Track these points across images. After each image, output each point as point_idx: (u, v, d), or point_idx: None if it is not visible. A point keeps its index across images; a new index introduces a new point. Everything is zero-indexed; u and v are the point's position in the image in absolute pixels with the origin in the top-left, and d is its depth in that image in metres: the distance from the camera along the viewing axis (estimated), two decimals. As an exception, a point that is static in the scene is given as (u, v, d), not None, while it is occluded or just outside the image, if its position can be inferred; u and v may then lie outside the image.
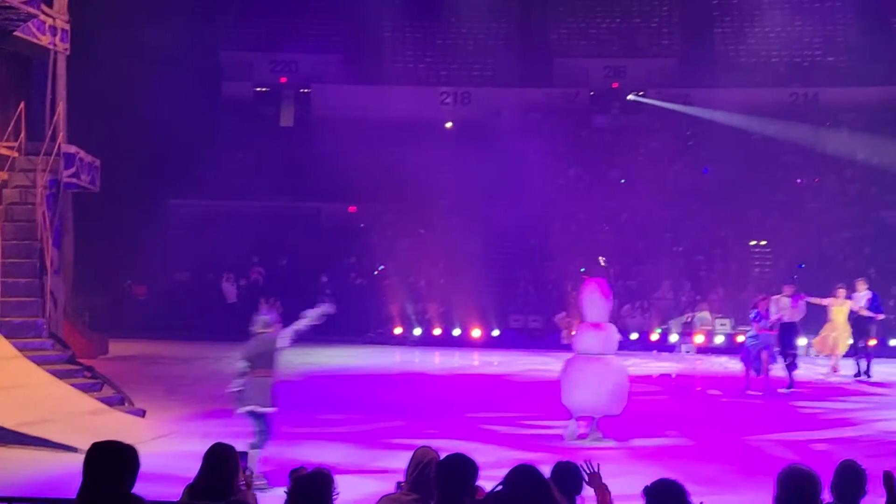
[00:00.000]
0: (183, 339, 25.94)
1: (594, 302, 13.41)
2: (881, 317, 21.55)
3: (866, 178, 31.51)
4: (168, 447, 12.08)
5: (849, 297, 20.95)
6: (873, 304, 20.81)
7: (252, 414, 10.89)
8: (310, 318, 11.12)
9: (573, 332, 14.74)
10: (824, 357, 22.05)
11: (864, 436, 14.03)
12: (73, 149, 18.40)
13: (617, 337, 13.99)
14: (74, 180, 18.48)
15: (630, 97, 35.27)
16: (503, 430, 14.04)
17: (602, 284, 13.80)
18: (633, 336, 26.76)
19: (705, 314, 26.93)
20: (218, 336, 26.04)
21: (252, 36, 37.34)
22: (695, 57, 36.30)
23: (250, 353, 10.99)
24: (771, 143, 33.12)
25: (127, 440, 4.68)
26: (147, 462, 4.74)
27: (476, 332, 26.97)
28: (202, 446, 5.81)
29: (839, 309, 20.99)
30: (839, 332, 20.93)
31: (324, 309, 11.35)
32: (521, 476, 4.95)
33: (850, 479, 5.31)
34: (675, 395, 18.27)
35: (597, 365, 13.39)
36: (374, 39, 36.07)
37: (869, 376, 20.35)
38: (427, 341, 26.88)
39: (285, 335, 11.15)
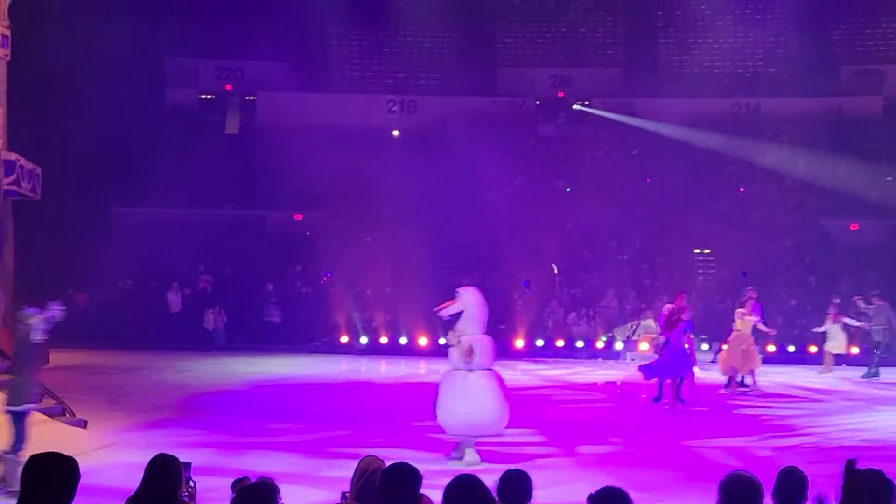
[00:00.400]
0: (125, 348, 25.59)
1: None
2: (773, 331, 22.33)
3: (806, 187, 32.01)
4: (109, 458, 11.91)
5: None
6: (762, 317, 21.08)
7: (11, 414, 10.48)
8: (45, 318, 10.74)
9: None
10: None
11: (806, 443, 14.22)
12: (13, 156, 18.11)
13: (486, 350, 12.66)
14: (14, 188, 18.19)
15: (575, 106, 35.52)
16: (449, 438, 14.02)
17: (477, 294, 12.90)
18: (579, 344, 26.95)
19: (650, 322, 27.17)
20: (161, 346, 25.83)
21: (197, 42, 37.01)
22: (639, 67, 36.66)
23: (13, 351, 10.57)
24: (713, 153, 33.53)
25: (67, 451, 4.60)
26: (88, 474, 4.67)
27: (423, 341, 26.96)
28: (144, 457, 5.73)
29: (745, 322, 20.68)
30: (748, 344, 20.51)
31: (57, 311, 11.03)
32: (461, 488, 4.94)
33: (792, 486, 5.37)
34: (620, 403, 18.41)
35: (463, 381, 12.48)
36: (321, 47, 35.99)
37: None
38: (373, 350, 26.81)
39: (37, 328, 10.76)
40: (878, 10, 36.43)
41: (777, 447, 13.69)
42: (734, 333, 20.59)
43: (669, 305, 18.09)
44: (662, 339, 18.03)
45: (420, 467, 5.27)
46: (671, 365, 17.27)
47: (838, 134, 33.62)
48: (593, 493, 4.86)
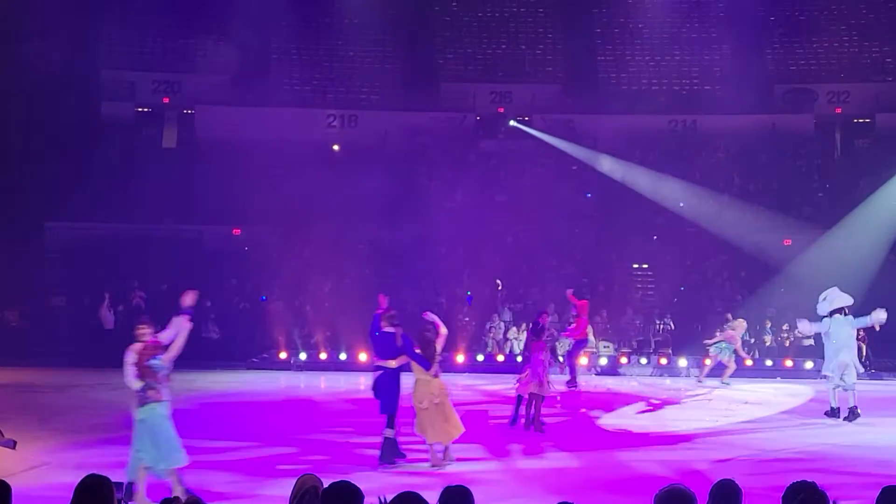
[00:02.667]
0: (57, 366, 25.08)
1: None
2: None
3: (741, 202, 32.46)
4: (40, 479, 11.67)
5: None
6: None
7: None
8: None
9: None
10: None
11: (743, 455, 14.35)
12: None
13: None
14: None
15: (511, 123, 35.68)
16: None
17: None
18: (519, 359, 26.93)
19: (588, 336, 27.34)
20: (94, 363, 25.34)
21: (134, 55, 36.60)
22: (578, 84, 37.01)
23: None
24: (652, 169, 33.91)
25: (-6, 473, 4.47)
26: (18, 495, 4.53)
27: (363, 357, 26.78)
28: (75, 477, 5.59)
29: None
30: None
31: None
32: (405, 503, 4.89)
33: (726, 498, 5.40)
34: (560, 417, 18.44)
35: None
36: (260, 61, 35.76)
37: None
38: (313, 366, 26.60)
39: None
40: (809, 30, 37.25)
41: (714, 460, 13.80)
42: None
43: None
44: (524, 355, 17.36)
45: (361, 485, 5.20)
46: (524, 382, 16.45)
47: (772, 150, 34.25)
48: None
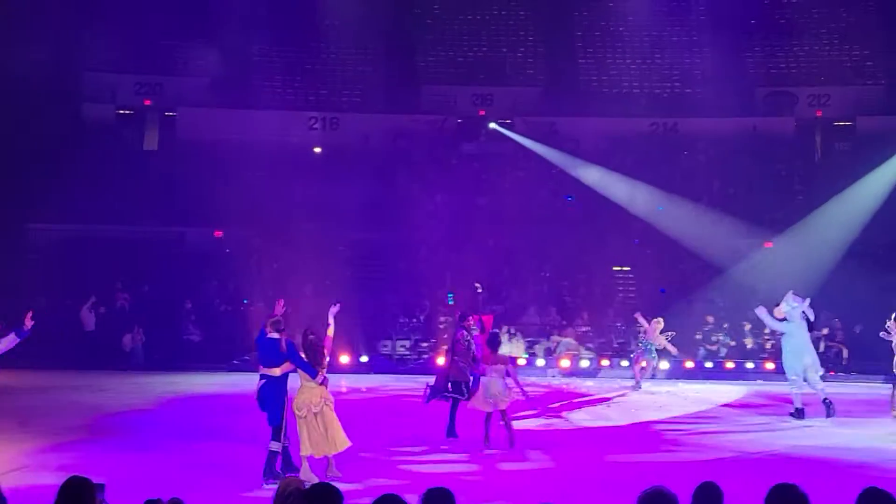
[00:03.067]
0: (38, 368, 24.95)
1: None
2: None
3: (721, 205, 32.61)
4: (21, 481, 11.61)
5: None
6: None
7: None
8: None
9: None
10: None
11: (725, 457, 14.43)
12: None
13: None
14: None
15: (491, 126, 35.68)
16: (370, 456, 13.96)
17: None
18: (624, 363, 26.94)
19: (570, 339, 27.45)
20: (75, 365, 25.25)
21: (115, 57, 36.46)
22: (559, 86, 37.10)
23: None
24: (633, 171, 34.04)
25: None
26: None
27: (344, 358, 26.80)
28: (57, 479, 5.59)
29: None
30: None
31: None
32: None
33: (709, 500, 5.45)
34: (541, 420, 18.48)
35: None
36: (242, 63, 35.68)
37: None
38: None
39: None
40: (790, 34, 37.47)
41: (697, 461, 13.87)
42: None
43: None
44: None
45: (341, 487, 5.22)
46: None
47: (752, 153, 34.42)
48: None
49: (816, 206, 31.12)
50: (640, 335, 23.93)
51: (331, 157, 34.27)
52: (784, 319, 18.41)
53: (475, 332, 16.62)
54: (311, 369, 12.44)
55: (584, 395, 22.19)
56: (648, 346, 23.39)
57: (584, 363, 26.51)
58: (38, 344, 26.86)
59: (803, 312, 18.20)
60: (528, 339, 27.96)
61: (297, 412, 12.36)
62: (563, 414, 19.17)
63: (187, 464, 13.11)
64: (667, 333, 23.64)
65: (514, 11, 39.41)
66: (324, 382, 12.53)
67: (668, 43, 37.94)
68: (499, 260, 31.43)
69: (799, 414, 18.00)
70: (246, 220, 30.66)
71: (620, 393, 22.54)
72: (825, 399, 17.90)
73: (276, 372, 12.57)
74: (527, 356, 27.14)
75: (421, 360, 26.94)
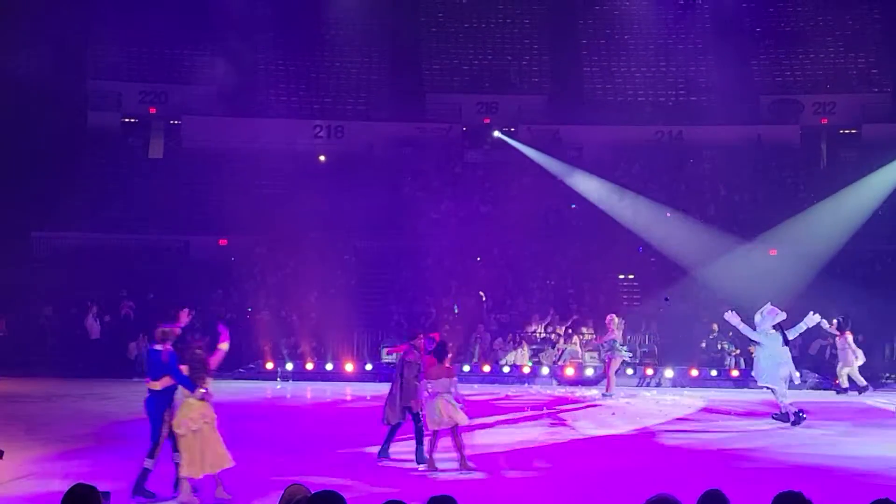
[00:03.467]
0: (44, 376, 25.04)
1: None
2: None
3: (726, 212, 32.58)
4: (27, 489, 11.62)
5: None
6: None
7: None
8: None
9: None
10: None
11: (736, 465, 14.39)
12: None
13: None
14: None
15: (495, 134, 35.67)
16: (371, 464, 13.95)
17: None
18: (506, 369, 27.01)
19: (575, 347, 27.42)
20: (81, 373, 25.30)
21: (121, 65, 36.59)
22: (564, 94, 37.15)
23: None
24: (637, 179, 34.06)
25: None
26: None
27: (349, 366, 26.82)
28: (63, 487, 5.60)
29: None
30: None
31: None
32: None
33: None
34: (547, 427, 18.47)
35: None
36: (247, 72, 35.79)
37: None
38: (299, 376, 26.58)
39: None
40: (795, 41, 37.49)
41: (702, 469, 13.84)
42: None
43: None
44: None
45: (346, 494, 5.22)
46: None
47: (757, 161, 34.41)
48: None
49: (821, 214, 31.10)
50: (609, 339, 23.47)
51: (336, 166, 34.32)
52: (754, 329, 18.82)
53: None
54: (190, 384, 11.60)
55: (588, 403, 22.16)
56: (615, 346, 23.19)
57: (589, 371, 26.49)
58: (44, 352, 27.12)
59: (780, 325, 18.52)
60: (533, 347, 27.95)
61: (176, 430, 11.59)
62: (568, 422, 19.14)
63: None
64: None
65: (519, 20, 39.47)
66: (205, 398, 11.69)
67: (674, 51, 38.00)
68: (504, 268, 31.43)
69: (784, 417, 18.28)
70: (251, 228, 30.72)
71: (624, 401, 22.52)
72: (789, 410, 18.30)
73: (156, 386, 11.84)
74: (531, 364, 27.12)
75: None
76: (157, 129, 36.83)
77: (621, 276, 31.59)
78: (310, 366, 27.08)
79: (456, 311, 29.19)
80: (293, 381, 26.20)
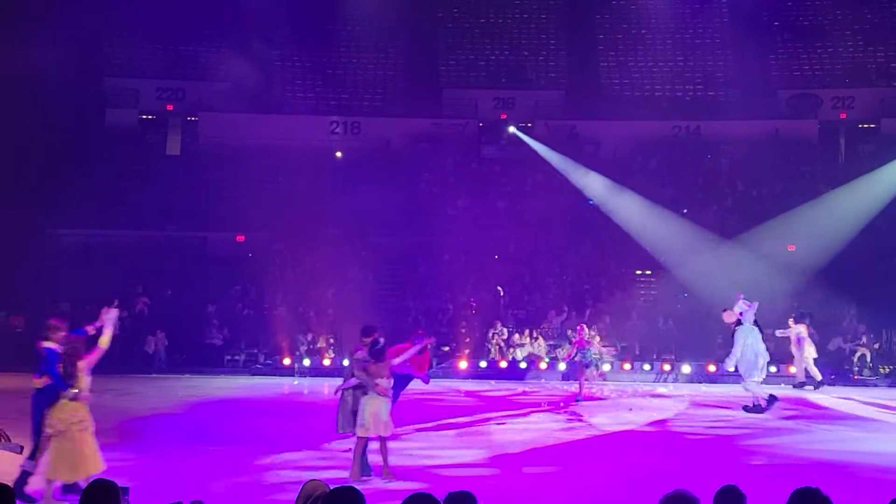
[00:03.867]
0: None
1: None
2: None
3: (744, 208, 32.46)
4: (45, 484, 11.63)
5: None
6: None
7: None
8: None
9: None
10: None
11: (754, 462, 14.34)
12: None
13: None
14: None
15: (511, 129, 35.56)
16: (391, 460, 13.94)
17: None
18: (523, 365, 26.99)
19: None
20: (99, 369, 25.40)
21: (138, 62, 36.72)
22: (581, 90, 37.06)
23: None
24: (654, 174, 33.97)
25: (2, 477, 4.49)
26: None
27: (366, 362, 26.81)
28: (82, 482, 5.62)
29: None
30: None
31: None
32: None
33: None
34: (563, 424, 18.46)
35: None
36: (264, 68, 35.86)
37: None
38: (316, 371, 26.64)
39: None
40: (813, 35, 37.28)
41: (719, 466, 13.79)
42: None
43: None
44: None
45: (364, 490, 5.22)
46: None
47: (775, 156, 34.24)
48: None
49: (840, 209, 30.93)
50: (584, 348, 22.03)
51: (352, 162, 34.34)
52: (739, 322, 19.35)
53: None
54: (62, 382, 11.09)
55: (605, 399, 22.13)
56: (588, 356, 22.03)
57: (606, 367, 26.42)
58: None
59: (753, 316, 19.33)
60: (550, 342, 27.92)
61: (48, 430, 11.07)
62: (585, 417, 19.11)
63: (210, 467, 13.14)
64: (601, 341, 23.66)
65: (535, 14, 39.41)
66: (77, 398, 11.18)
67: (691, 45, 37.85)
68: (520, 264, 31.40)
69: (772, 399, 19.03)
70: (268, 224, 30.79)
71: (641, 396, 22.48)
72: (757, 400, 19.18)
73: (38, 383, 11.39)
74: (548, 360, 27.09)
75: (443, 364, 26.91)
76: (174, 125, 36.94)
77: (638, 272, 31.50)
78: (327, 361, 27.13)
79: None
80: (310, 376, 26.26)
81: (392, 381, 12.71)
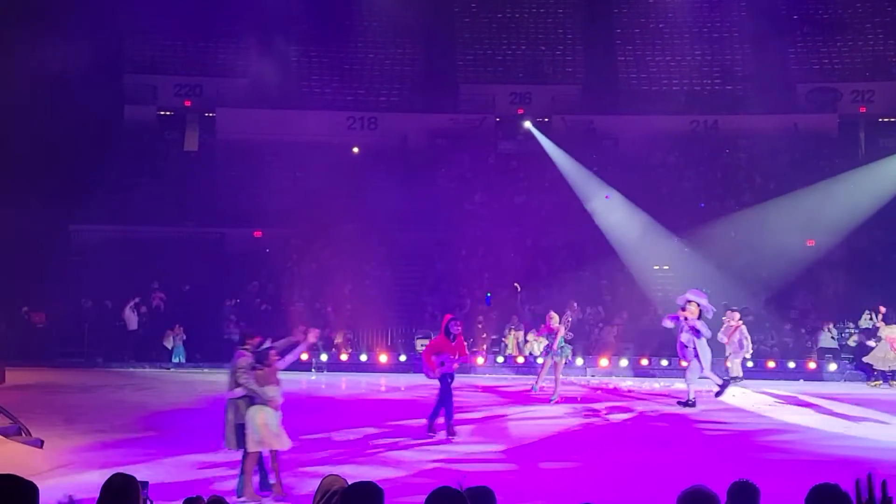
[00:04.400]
0: (83, 367, 25.32)
1: None
2: None
3: (763, 203, 32.31)
4: (66, 478, 11.75)
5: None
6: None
7: None
8: None
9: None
10: None
11: (771, 457, 14.31)
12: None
13: None
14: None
15: (526, 125, 35.39)
16: (409, 455, 13.99)
17: None
18: (540, 360, 26.93)
19: (609, 338, 27.32)
20: (119, 364, 25.60)
21: (156, 59, 36.87)
22: (598, 84, 36.96)
23: None
24: (672, 169, 33.86)
25: (23, 471, 4.53)
26: (44, 494, 4.59)
27: (383, 357, 26.90)
28: (101, 477, 5.65)
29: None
30: None
31: None
32: (443, 498, 4.89)
33: (744, 499, 5.40)
34: (581, 418, 18.44)
35: None
36: (281, 64, 35.91)
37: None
38: (333, 367, 26.70)
39: None
40: (833, 28, 37.05)
41: (738, 461, 13.76)
42: None
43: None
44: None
45: (382, 485, 5.23)
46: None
47: (794, 151, 34.07)
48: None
49: (860, 203, 30.78)
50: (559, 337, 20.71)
51: (369, 157, 34.36)
52: (700, 318, 19.38)
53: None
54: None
55: (623, 394, 22.10)
56: (562, 346, 20.90)
57: (623, 362, 26.39)
58: (83, 343, 27.42)
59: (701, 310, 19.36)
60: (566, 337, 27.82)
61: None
62: (602, 412, 19.10)
63: (228, 462, 13.19)
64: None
65: (552, 9, 39.30)
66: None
67: (709, 39, 37.68)
68: (538, 259, 31.35)
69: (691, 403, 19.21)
70: (285, 220, 30.86)
71: (659, 392, 22.43)
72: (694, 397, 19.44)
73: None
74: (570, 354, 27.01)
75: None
76: (192, 121, 37.04)
77: (656, 267, 31.41)
78: (344, 357, 27.19)
79: (489, 302, 29.21)
80: (327, 371, 26.32)
81: (280, 388, 11.87)
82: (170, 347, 27.71)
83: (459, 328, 15.84)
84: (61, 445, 14.28)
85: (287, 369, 25.80)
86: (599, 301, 29.65)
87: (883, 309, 24.10)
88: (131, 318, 28.23)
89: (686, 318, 19.31)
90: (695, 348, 19.31)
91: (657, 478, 12.57)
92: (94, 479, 6.18)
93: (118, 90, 35.74)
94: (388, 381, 24.43)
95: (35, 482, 4.50)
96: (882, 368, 23.86)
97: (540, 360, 22.01)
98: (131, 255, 30.02)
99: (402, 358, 27.09)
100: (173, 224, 32.03)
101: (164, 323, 28.09)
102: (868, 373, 24.23)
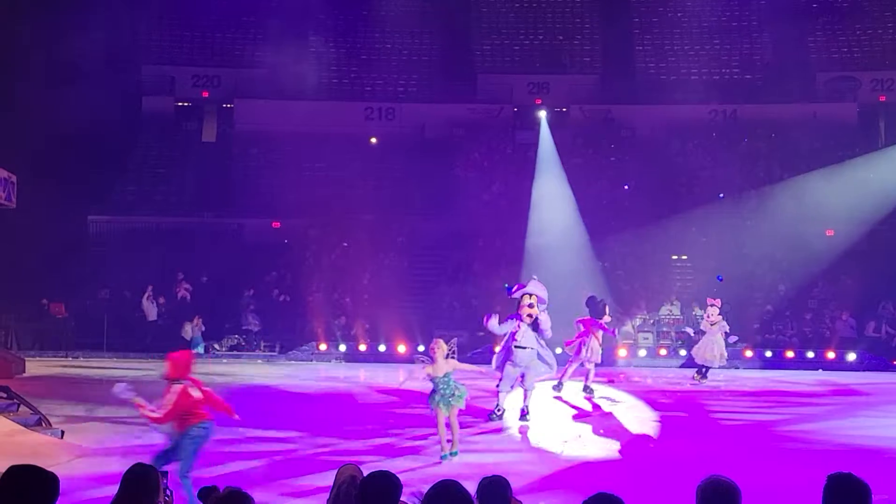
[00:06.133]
0: (103, 357, 25.46)
1: None
2: None
3: (782, 192, 32.17)
4: (86, 468, 11.83)
5: None
6: None
7: None
8: None
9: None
10: None
11: (787, 447, 14.27)
12: (-13, 164, 18.01)
13: None
14: (-11, 196, 18.09)
15: (541, 115, 35.22)
16: (427, 445, 14.01)
17: None
18: (557, 350, 26.90)
19: (627, 328, 27.29)
20: (139, 354, 25.72)
21: (174, 50, 36.97)
22: (616, 74, 36.85)
23: None
24: (691, 158, 33.73)
25: (44, 461, 4.56)
26: (65, 484, 4.63)
27: (401, 348, 26.94)
28: (121, 467, 5.69)
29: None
30: None
31: None
32: (444, 492, 4.92)
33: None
34: (599, 409, 18.43)
35: None
36: (298, 54, 35.95)
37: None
38: (352, 357, 26.77)
39: None
40: (852, 17, 36.81)
41: (756, 451, 13.72)
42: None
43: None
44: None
45: (399, 475, 5.25)
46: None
47: (814, 139, 33.88)
48: (587, 499, 4.85)
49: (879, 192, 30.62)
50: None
51: (387, 147, 34.39)
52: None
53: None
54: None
55: (641, 386, 22.07)
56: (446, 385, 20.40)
57: (642, 352, 26.35)
58: (102, 334, 27.57)
59: None
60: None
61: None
62: (621, 404, 19.07)
63: (244, 453, 13.26)
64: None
65: (570, -1, 39.20)
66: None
67: (727, 28, 37.50)
68: (554, 248, 31.24)
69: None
70: (303, 210, 30.93)
71: (679, 382, 22.40)
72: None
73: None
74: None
75: (479, 350, 26.94)
76: (209, 112, 37.17)
77: (674, 257, 31.33)
78: (363, 347, 27.26)
79: (510, 291, 29.10)
80: (346, 362, 26.38)
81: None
82: (188, 338, 27.82)
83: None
84: (81, 436, 14.37)
85: (306, 360, 25.87)
86: (618, 291, 29.56)
87: None
88: (150, 309, 28.37)
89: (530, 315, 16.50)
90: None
91: (674, 468, 12.55)
92: (114, 470, 6.21)
93: (136, 81, 35.88)
94: (406, 371, 24.40)
95: (56, 473, 4.54)
96: None
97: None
98: (150, 246, 30.15)
99: (421, 348, 27.11)
100: (192, 215, 32.16)
101: (186, 314, 28.24)
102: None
